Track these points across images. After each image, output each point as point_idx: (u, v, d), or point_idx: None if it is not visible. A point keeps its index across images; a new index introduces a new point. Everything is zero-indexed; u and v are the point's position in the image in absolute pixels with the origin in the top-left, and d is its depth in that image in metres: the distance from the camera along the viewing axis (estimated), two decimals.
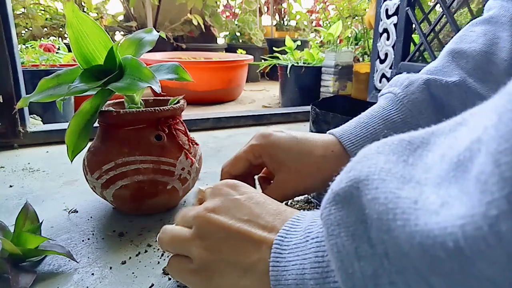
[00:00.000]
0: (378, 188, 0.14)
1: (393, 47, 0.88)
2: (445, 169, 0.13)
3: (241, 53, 1.84)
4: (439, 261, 0.12)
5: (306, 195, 0.50)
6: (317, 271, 0.17)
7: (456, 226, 0.11)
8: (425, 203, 0.13)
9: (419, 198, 0.13)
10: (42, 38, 1.51)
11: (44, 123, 0.87)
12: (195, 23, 1.91)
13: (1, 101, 0.72)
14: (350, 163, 0.16)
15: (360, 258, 0.15)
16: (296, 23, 2.38)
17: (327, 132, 0.33)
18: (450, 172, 0.13)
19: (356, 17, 1.44)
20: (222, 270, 0.22)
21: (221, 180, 0.33)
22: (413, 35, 0.86)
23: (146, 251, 0.39)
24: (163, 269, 0.36)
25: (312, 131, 0.50)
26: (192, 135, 0.49)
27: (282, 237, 0.20)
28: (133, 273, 0.36)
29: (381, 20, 0.90)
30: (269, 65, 1.46)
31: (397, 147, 0.15)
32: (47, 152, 0.74)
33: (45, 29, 1.64)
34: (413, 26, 0.83)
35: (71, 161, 0.42)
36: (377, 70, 0.94)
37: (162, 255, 0.38)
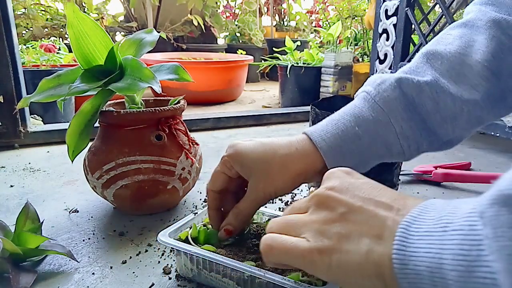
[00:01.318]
0: None
1: (392, 47, 0.88)
2: None
3: (241, 53, 1.84)
4: None
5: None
6: (462, 264, 0.17)
7: None
8: None
9: None
10: (43, 39, 1.51)
11: (44, 123, 0.87)
12: (196, 23, 1.91)
13: (2, 101, 0.73)
14: None
15: None
16: (296, 24, 2.38)
17: (303, 131, 0.33)
18: None
19: (356, 18, 1.45)
20: (342, 246, 0.20)
21: (207, 199, 0.34)
22: (412, 36, 0.87)
23: (146, 251, 0.39)
24: (163, 269, 0.36)
25: None
26: (193, 135, 0.49)
27: (410, 222, 0.20)
28: (133, 272, 0.36)
29: (381, 21, 0.91)
30: (269, 65, 1.47)
31: None
32: (48, 152, 0.74)
33: (46, 29, 1.64)
34: (413, 26, 0.84)
35: (72, 161, 0.42)
36: (376, 71, 0.95)
37: (163, 254, 0.39)
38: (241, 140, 0.33)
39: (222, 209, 0.35)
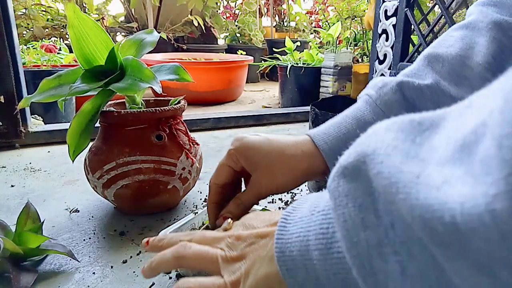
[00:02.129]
0: (383, 163, 0.15)
1: (392, 48, 0.88)
2: (450, 151, 0.13)
3: (241, 54, 1.84)
4: (438, 233, 0.12)
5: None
6: (322, 242, 0.18)
7: (457, 203, 0.12)
8: (427, 178, 0.13)
9: (422, 173, 0.13)
10: (44, 39, 1.51)
11: (45, 123, 0.87)
12: (196, 24, 1.91)
13: (3, 101, 0.73)
14: (360, 138, 0.17)
15: (366, 228, 0.15)
16: (296, 24, 2.38)
17: (306, 132, 0.34)
18: (455, 154, 0.13)
19: (355, 18, 1.45)
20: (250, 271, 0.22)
21: (209, 192, 0.34)
22: (412, 36, 0.87)
23: (147, 250, 0.39)
24: None
25: None
26: (193, 135, 0.49)
27: (288, 213, 0.21)
28: (134, 272, 0.36)
29: (380, 21, 0.91)
30: (269, 65, 1.47)
31: (406, 126, 0.15)
32: (49, 152, 0.74)
33: (47, 30, 1.64)
34: (412, 27, 0.84)
35: (73, 161, 0.43)
36: (376, 71, 0.95)
37: None
38: (247, 134, 0.33)
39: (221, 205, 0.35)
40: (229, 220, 0.29)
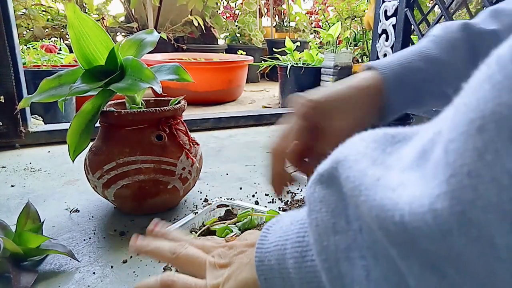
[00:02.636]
0: (351, 168, 0.15)
1: (392, 48, 0.88)
2: (411, 158, 0.14)
3: (241, 54, 1.84)
4: (391, 233, 0.13)
5: None
6: (297, 250, 0.18)
7: (406, 203, 0.12)
8: (385, 181, 0.14)
9: (382, 177, 0.14)
10: (44, 39, 1.51)
11: (45, 123, 0.87)
12: (196, 24, 1.91)
13: (3, 101, 0.73)
14: (337, 148, 0.17)
15: (336, 233, 0.16)
16: (296, 24, 2.38)
17: (364, 64, 0.35)
18: (414, 160, 0.14)
19: (355, 18, 1.45)
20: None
21: (274, 161, 0.32)
22: (412, 36, 0.87)
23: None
24: (164, 268, 0.36)
25: None
26: (193, 135, 0.49)
27: (272, 223, 0.21)
28: (134, 272, 0.36)
29: (380, 21, 0.91)
30: (269, 66, 1.47)
31: (380, 138, 0.16)
32: (49, 152, 0.74)
33: (47, 30, 1.64)
34: (412, 27, 0.84)
35: (73, 161, 0.43)
36: None
37: None
38: (307, 95, 0.32)
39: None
40: (234, 234, 0.29)
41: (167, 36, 1.85)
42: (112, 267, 0.36)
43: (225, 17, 2.26)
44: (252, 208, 0.40)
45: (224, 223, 0.39)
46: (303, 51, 1.41)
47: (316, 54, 1.38)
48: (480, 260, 0.11)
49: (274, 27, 2.38)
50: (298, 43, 1.47)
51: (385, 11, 0.89)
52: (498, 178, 0.10)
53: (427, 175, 0.12)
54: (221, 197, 0.45)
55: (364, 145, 0.16)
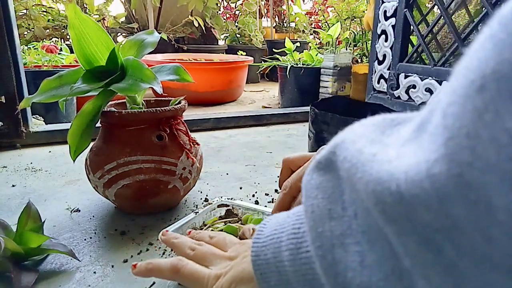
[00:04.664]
0: (348, 149, 0.15)
1: (391, 48, 0.88)
2: (409, 132, 0.14)
3: (241, 54, 1.84)
4: (387, 206, 0.12)
5: None
6: (292, 242, 0.18)
7: (402, 172, 0.12)
8: (382, 156, 0.13)
9: (379, 152, 0.14)
10: (44, 39, 1.52)
11: (46, 124, 0.87)
12: (196, 24, 1.92)
13: (4, 102, 0.73)
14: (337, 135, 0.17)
15: (332, 219, 0.16)
16: (296, 25, 2.39)
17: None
18: (413, 133, 0.13)
19: (355, 19, 1.45)
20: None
21: (281, 173, 0.34)
22: (411, 37, 0.87)
23: (147, 250, 0.40)
24: None
25: (311, 131, 0.51)
26: (193, 135, 0.49)
27: (269, 219, 0.21)
28: None
29: (379, 22, 0.91)
30: (269, 66, 1.47)
31: (380, 122, 0.16)
32: (50, 152, 0.75)
33: (47, 30, 1.65)
34: (411, 27, 0.84)
35: (74, 161, 0.43)
36: (375, 71, 0.95)
37: (164, 253, 0.39)
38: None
39: None
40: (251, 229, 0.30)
41: (167, 37, 1.86)
42: (112, 266, 0.37)
43: (225, 17, 2.26)
44: (259, 211, 0.40)
45: (224, 222, 0.39)
46: (302, 52, 1.41)
47: (316, 55, 1.38)
48: (477, 227, 0.10)
49: (274, 27, 2.38)
50: (298, 44, 1.47)
51: (385, 12, 0.89)
52: (497, 137, 0.10)
53: (425, 142, 0.12)
54: (221, 197, 0.45)
55: (363, 129, 0.16)
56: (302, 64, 1.36)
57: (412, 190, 0.11)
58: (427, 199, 0.11)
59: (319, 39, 1.58)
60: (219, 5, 2.08)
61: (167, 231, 0.31)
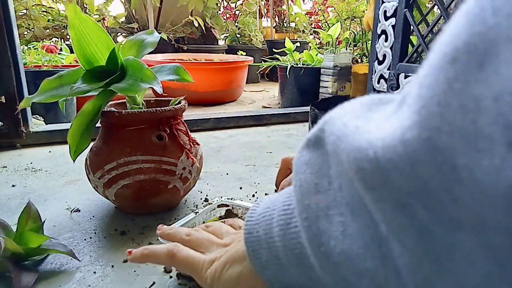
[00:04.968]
0: (334, 124, 0.16)
1: (391, 48, 0.89)
2: (393, 107, 0.14)
3: (241, 54, 1.84)
4: (366, 174, 0.13)
5: None
6: (283, 218, 0.18)
7: (379, 139, 0.13)
8: (364, 127, 0.14)
9: (362, 125, 0.15)
10: (44, 39, 1.52)
11: (46, 124, 0.87)
12: (196, 24, 1.92)
13: (4, 102, 0.73)
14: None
15: (317, 192, 0.17)
16: (296, 25, 2.39)
17: None
18: (395, 107, 0.14)
19: (355, 19, 1.45)
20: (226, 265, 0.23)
21: (279, 172, 0.35)
22: (411, 37, 0.87)
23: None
24: (164, 267, 0.36)
25: None
26: (193, 135, 0.49)
27: (261, 199, 0.22)
28: (134, 271, 0.36)
29: (379, 22, 0.91)
30: (269, 66, 1.47)
31: (367, 101, 0.17)
32: (50, 152, 0.75)
33: (47, 30, 1.65)
34: (411, 27, 0.84)
35: (74, 161, 0.43)
36: (375, 71, 0.95)
37: None
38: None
39: None
40: None
41: (167, 37, 1.86)
42: (112, 266, 0.37)
43: (225, 17, 2.26)
44: None
45: (224, 222, 0.39)
46: (302, 52, 1.41)
47: (316, 55, 1.38)
48: (444, 187, 0.11)
49: (274, 27, 2.38)
50: (298, 44, 1.48)
51: (385, 12, 0.89)
52: (464, 104, 0.10)
53: (403, 113, 0.13)
54: (221, 197, 0.45)
55: (351, 108, 0.17)
56: (302, 64, 1.36)
57: (387, 155, 0.12)
58: (400, 163, 0.12)
59: (319, 39, 1.58)
60: (219, 5, 2.08)
61: (162, 225, 0.31)
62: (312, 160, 0.17)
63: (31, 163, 0.68)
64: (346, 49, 1.38)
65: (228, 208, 0.43)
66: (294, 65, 1.31)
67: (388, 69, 0.90)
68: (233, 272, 0.22)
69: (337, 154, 0.15)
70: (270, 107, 1.40)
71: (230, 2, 2.30)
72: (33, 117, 0.85)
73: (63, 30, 1.67)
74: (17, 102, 0.74)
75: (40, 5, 1.65)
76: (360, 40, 1.41)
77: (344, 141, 0.15)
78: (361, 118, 0.15)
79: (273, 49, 1.62)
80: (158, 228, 0.32)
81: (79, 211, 0.49)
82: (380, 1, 0.90)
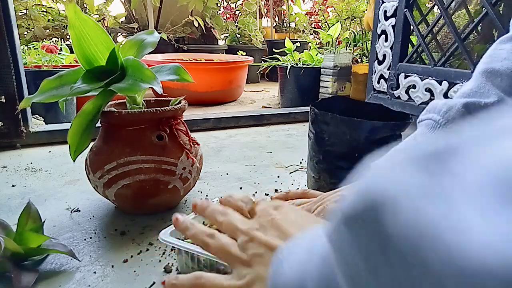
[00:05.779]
0: (397, 205, 0.11)
1: (391, 48, 0.88)
2: (482, 181, 0.10)
3: (241, 54, 1.84)
4: None
5: None
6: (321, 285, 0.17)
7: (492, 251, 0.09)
8: (460, 220, 0.10)
9: (449, 214, 0.10)
10: (44, 39, 1.52)
11: (46, 124, 0.87)
12: (196, 24, 1.92)
13: (4, 102, 0.73)
14: (362, 179, 0.13)
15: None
16: (296, 25, 2.39)
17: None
18: (491, 188, 0.10)
19: (355, 19, 1.45)
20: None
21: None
22: (411, 37, 0.87)
23: (147, 250, 0.40)
24: (164, 267, 0.36)
25: (311, 131, 0.51)
26: (193, 135, 0.49)
27: (288, 246, 0.21)
28: (134, 271, 0.36)
29: (380, 22, 0.91)
30: (269, 66, 1.47)
31: (418, 155, 0.12)
32: (50, 152, 0.75)
33: (47, 30, 1.65)
34: (411, 27, 0.84)
35: (74, 161, 0.43)
36: (375, 71, 0.95)
37: (164, 253, 0.39)
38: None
39: None
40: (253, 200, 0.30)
41: (167, 37, 1.86)
42: (112, 266, 0.37)
43: (225, 17, 2.26)
44: None
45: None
46: (302, 52, 1.41)
47: (316, 55, 1.38)
48: None
49: (274, 27, 2.38)
50: (298, 44, 1.48)
51: (385, 12, 0.89)
52: None
53: None
54: (221, 197, 0.45)
55: (403, 171, 0.12)
56: (302, 64, 1.36)
57: None
58: None
59: (319, 39, 1.58)
60: (219, 5, 2.08)
61: (195, 206, 0.29)
62: (356, 244, 0.12)
63: (31, 163, 0.68)
64: (346, 49, 1.38)
65: None
66: (294, 65, 1.31)
67: (388, 69, 0.90)
68: None
69: (411, 250, 0.10)
70: (270, 107, 1.40)
71: (230, 2, 2.30)
72: (33, 117, 0.85)
73: (63, 30, 1.67)
74: (17, 102, 0.74)
75: (40, 5, 1.65)
76: (360, 40, 1.41)
77: (433, 238, 0.10)
78: (435, 196, 0.10)
79: (273, 49, 1.62)
80: (194, 202, 0.29)
81: (79, 211, 0.49)
82: (380, 1, 0.90)
